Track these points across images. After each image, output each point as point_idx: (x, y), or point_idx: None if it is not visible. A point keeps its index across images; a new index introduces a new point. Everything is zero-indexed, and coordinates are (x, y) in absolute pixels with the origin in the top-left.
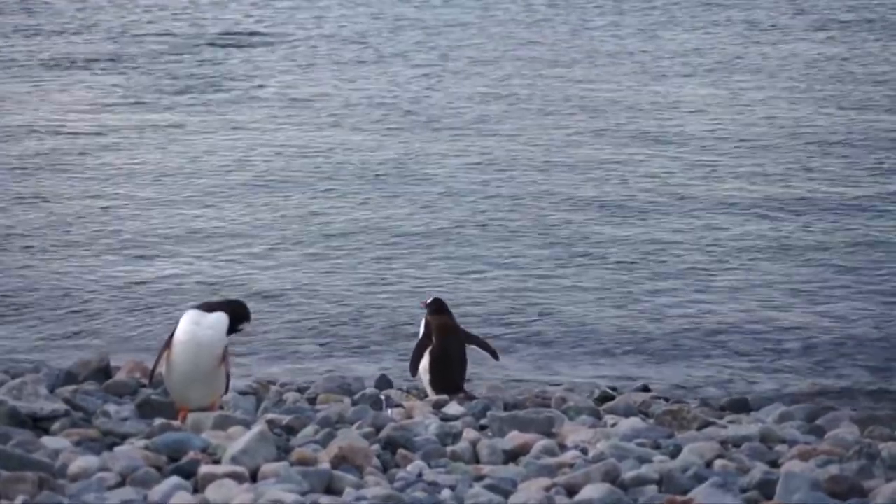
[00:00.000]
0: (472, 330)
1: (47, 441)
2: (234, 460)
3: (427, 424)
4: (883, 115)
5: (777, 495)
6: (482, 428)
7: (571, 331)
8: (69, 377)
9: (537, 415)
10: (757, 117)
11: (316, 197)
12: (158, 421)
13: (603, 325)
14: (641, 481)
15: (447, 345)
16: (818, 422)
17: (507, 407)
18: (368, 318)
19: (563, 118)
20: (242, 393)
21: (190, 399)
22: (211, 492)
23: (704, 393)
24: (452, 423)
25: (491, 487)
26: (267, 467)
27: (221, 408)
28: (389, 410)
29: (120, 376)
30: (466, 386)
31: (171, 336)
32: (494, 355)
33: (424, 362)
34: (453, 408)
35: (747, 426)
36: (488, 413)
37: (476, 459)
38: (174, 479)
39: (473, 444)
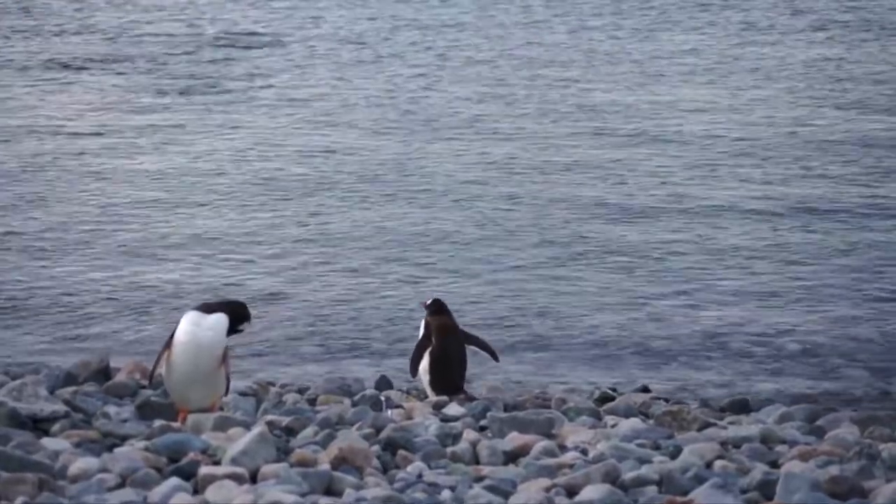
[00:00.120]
0: (472, 330)
1: (47, 442)
2: (234, 461)
3: (427, 425)
4: (882, 116)
5: (777, 496)
6: (482, 429)
7: (571, 331)
8: (69, 378)
9: (537, 416)
10: (756, 119)
11: (315, 197)
12: (158, 422)
13: (603, 325)
14: (641, 482)
15: (447, 345)
16: (818, 422)
17: (507, 408)
18: (368, 319)
19: (562, 119)
20: (242, 394)
21: (190, 400)
22: (211, 493)
23: (705, 394)
24: (452, 424)
25: (491, 488)
26: (267, 468)
27: (221, 409)
28: (389, 411)
29: (120, 378)
30: (466, 387)
31: (171, 337)
32: (494, 356)
33: (424, 363)
34: (453, 409)
35: (747, 427)
36: (488, 414)
37: (476, 460)
38: (174, 481)
39: (473, 444)
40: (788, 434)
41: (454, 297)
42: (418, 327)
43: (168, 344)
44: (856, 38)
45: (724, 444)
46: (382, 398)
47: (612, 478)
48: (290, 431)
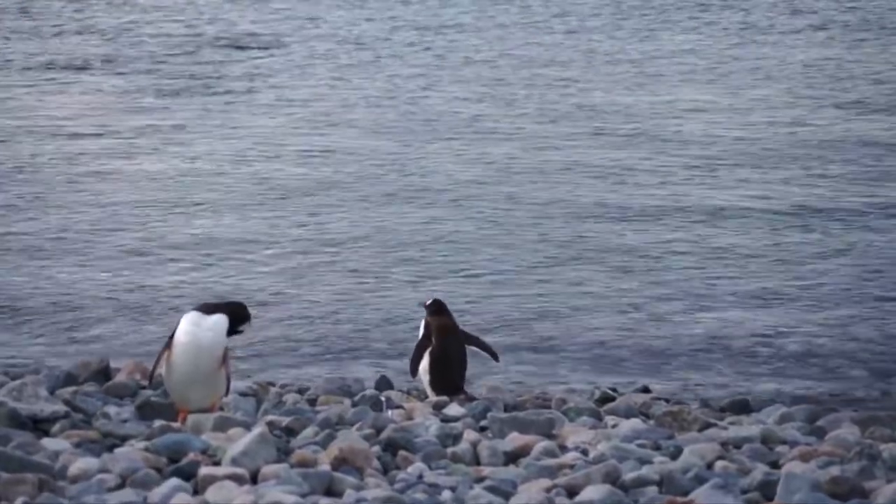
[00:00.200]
0: (472, 331)
1: (47, 443)
2: (234, 462)
3: (427, 426)
4: (882, 116)
5: (778, 496)
6: (482, 429)
7: (571, 331)
8: (69, 379)
9: (538, 416)
10: (756, 119)
11: (314, 197)
12: (158, 422)
13: (603, 325)
14: (642, 482)
15: (447, 346)
16: (819, 423)
17: (507, 408)
18: (368, 320)
19: (561, 119)
20: (242, 394)
21: (190, 400)
22: (211, 493)
23: (705, 394)
24: (453, 425)
25: (491, 489)
26: (267, 469)
27: (221, 409)
28: (390, 412)
29: (120, 378)
30: (466, 387)
31: (171, 337)
32: (494, 356)
33: (424, 363)
34: (453, 409)
35: (748, 427)
36: (489, 414)
37: (476, 461)
38: (174, 481)
39: (474, 445)
40: (789, 434)
41: (454, 298)
42: (418, 327)
43: (168, 344)
44: (855, 37)
45: (724, 444)
46: (383, 398)
47: (612, 478)
48: (291, 432)
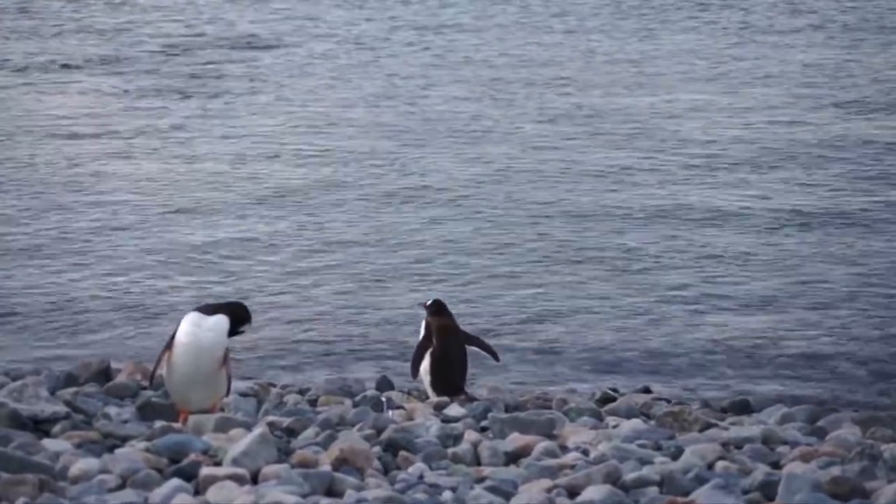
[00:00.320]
0: (472, 331)
1: (48, 443)
2: (234, 462)
3: (428, 426)
4: (883, 118)
5: (779, 496)
6: (483, 429)
7: (572, 332)
8: (70, 379)
9: (538, 416)
10: (756, 121)
11: (314, 198)
12: (159, 423)
13: (604, 326)
14: (643, 483)
15: (448, 346)
16: (820, 423)
17: (508, 408)
18: (369, 320)
19: (561, 120)
20: (243, 395)
21: (191, 401)
22: (212, 494)
23: (706, 394)
24: (453, 425)
25: (492, 489)
26: (268, 469)
27: (222, 410)
28: (390, 412)
29: (120, 378)
30: (467, 387)
31: (172, 338)
32: (495, 356)
33: (425, 364)
34: (454, 409)
35: (749, 427)
36: (489, 415)
37: (477, 461)
38: (175, 482)
39: (474, 445)
40: (790, 435)
41: (454, 298)
42: (419, 328)
43: (169, 345)
44: (855, 37)
45: (725, 444)
46: (383, 399)
47: (613, 478)
48: (291, 432)
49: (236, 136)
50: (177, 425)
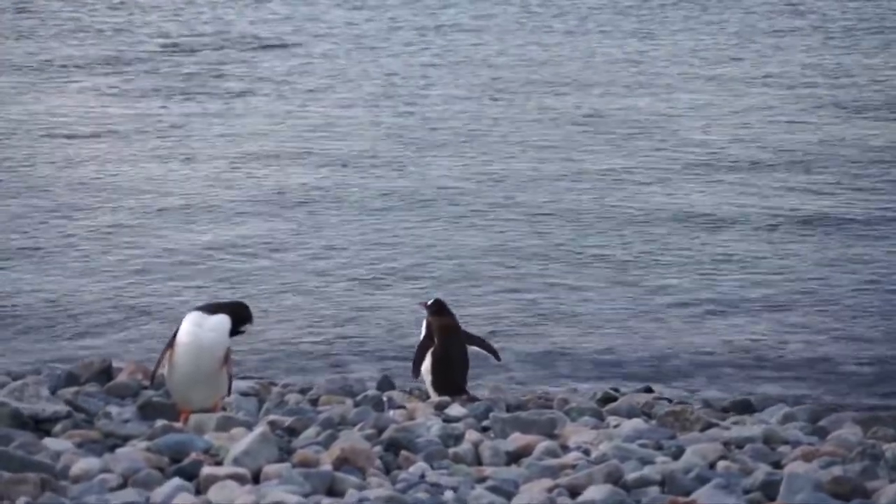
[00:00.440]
0: (473, 331)
1: (49, 443)
2: (236, 462)
3: (429, 426)
4: (883, 119)
5: (780, 496)
6: (484, 429)
7: (574, 331)
8: (71, 379)
9: (539, 416)
10: (757, 122)
11: (315, 198)
12: (160, 422)
13: (605, 326)
14: (644, 482)
15: (449, 346)
16: (821, 423)
17: (509, 408)
18: (370, 320)
19: (561, 120)
20: (244, 394)
21: (192, 400)
22: (213, 493)
23: (707, 394)
24: (455, 425)
25: (493, 489)
26: (269, 469)
27: (223, 409)
28: (392, 412)
29: (121, 378)
30: (468, 387)
31: (174, 338)
32: (496, 355)
33: (426, 364)
34: (455, 409)
35: (750, 427)
36: (490, 414)
37: (478, 461)
38: (176, 481)
39: (476, 445)
40: (791, 434)
41: (455, 298)
42: (420, 328)
43: (170, 344)
44: (855, 38)
45: (726, 444)
46: (384, 399)
47: (614, 478)
48: (293, 432)
49: (236, 137)
50: (178, 425)
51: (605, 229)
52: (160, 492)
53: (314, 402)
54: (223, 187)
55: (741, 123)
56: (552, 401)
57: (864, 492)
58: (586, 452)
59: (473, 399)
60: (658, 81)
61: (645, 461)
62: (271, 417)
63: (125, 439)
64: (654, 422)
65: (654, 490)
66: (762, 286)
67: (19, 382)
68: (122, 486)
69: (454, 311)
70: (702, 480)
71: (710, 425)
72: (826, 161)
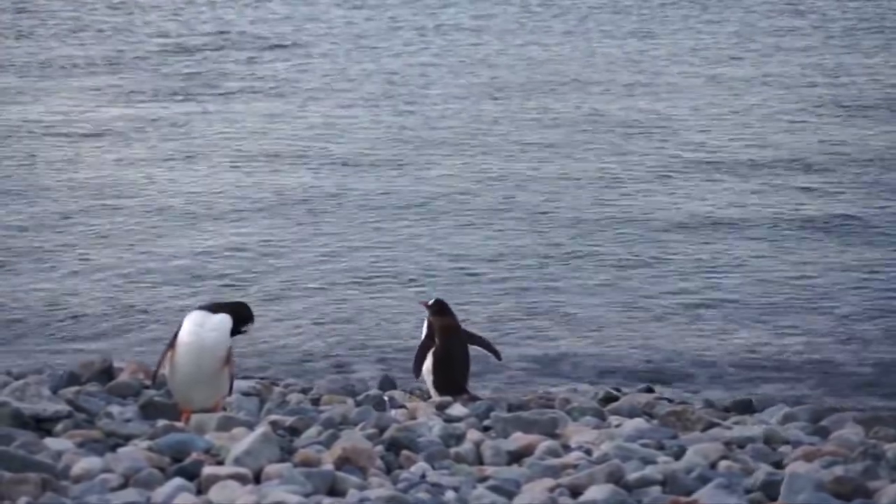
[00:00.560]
0: (475, 330)
1: (50, 442)
2: (237, 461)
3: (430, 426)
4: (884, 120)
5: (781, 496)
6: (486, 429)
7: (575, 331)
8: (72, 378)
9: (541, 416)
10: (756, 124)
11: (315, 199)
12: (162, 422)
13: (607, 325)
14: (645, 482)
15: (450, 346)
16: (823, 423)
17: (510, 408)
18: (371, 320)
19: (561, 121)
20: (246, 394)
21: (193, 400)
22: (214, 493)
23: (709, 394)
24: (456, 425)
25: (494, 489)
26: (270, 468)
27: (225, 409)
28: (393, 411)
29: (123, 378)
30: (469, 387)
31: (175, 337)
32: (497, 355)
33: (428, 363)
34: (457, 409)
35: (751, 427)
36: (492, 414)
37: (480, 460)
38: (177, 481)
39: (477, 445)
40: (792, 434)
41: (456, 298)
42: (421, 328)
43: (171, 344)
44: (856, 38)
45: (728, 444)
46: (386, 398)
47: (615, 478)
48: (294, 431)
49: (236, 137)
50: (179, 424)
51: (605, 229)
52: (161, 492)
53: (315, 401)
54: (223, 187)
55: (741, 123)
56: (553, 400)
57: (865, 492)
58: (588, 452)
59: (475, 399)
60: (658, 81)
61: (646, 461)
62: (273, 417)
63: (126, 439)
64: (655, 421)
65: (655, 490)
66: (763, 286)
67: (20, 382)
68: (124, 485)
69: (455, 310)
70: (703, 480)
71: (711, 425)
72: (826, 161)
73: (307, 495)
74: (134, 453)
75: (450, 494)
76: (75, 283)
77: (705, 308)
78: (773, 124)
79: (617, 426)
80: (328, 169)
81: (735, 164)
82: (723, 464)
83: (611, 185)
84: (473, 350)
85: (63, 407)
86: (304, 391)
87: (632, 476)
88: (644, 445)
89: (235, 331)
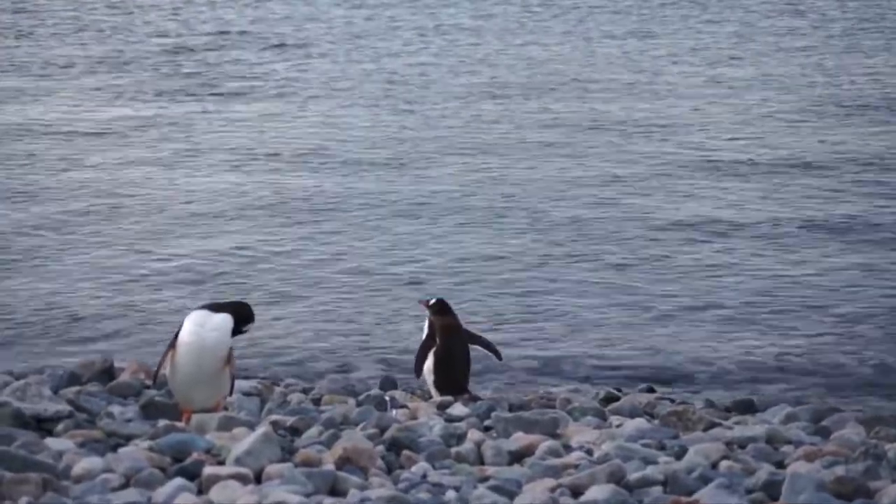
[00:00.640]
0: (476, 330)
1: (51, 442)
2: (238, 461)
3: (431, 425)
4: (886, 124)
5: (783, 496)
6: (487, 429)
7: (576, 331)
8: (73, 378)
9: (542, 416)
10: (757, 125)
11: (316, 199)
12: (162, 422)
13: (608, 325)
14: (647, 482)
15: (451, 346)
16: (824, 423)
17: (511, 408)
18: (372, 319)
19: (561, 120)
20: (247, 394)
21: (194, 400)
22: (215, 493)
23: (710, 394)
24: (457, 424)
25: (495, 489)
26: (271, 468)
27: (225, 409)
28: (394, 411)
29: (124, 377)
30: (470, 387)
31: (176, 337)
32: (497, 355)
33: (429, 363)
34: (458, 409)
35: (753, 427)
36: (493, 414)
37: (481, 460)
38: (178, 481)
39: (478, 445)
40: (794, 434)
41: (457, 298)
42: (422, 327)
43: (172, 344)
44: (856, 38)
45: (729, 444)
46: (387, 398)
47: (617, 478)
48: (295, 431)
49: (236, 137)
50: (180, 424)
51: (606, 229)
52: (162, 492)
53: (316, 401)
54: (223, 187)
55: (741, 123)
56: (555, 400)
57: (866, 492)
58: (589, 452)
59: (476, 399)
60: (658, 81)
61: (647, 461)
62: (273, 417)
63: (127, 439)
64: (656, 421)
65: (656, 490)
66: (763, 286)
67: (21, 382)
68: (125, 485)
69: (456, 310)
70: (704, 480)
71: (712, 425)
72: (825, 162)
73: (308, 495)
74: (135, 453)
75: (451, 494)
76: (76, 283)
77: (706, 308)
78: (773, 124)
79: (618, 426)
80: (328, 169)
81: (735, 164)
82: (724, 464)
83: (610, 186)
84: (474, 350)
85: (64, 407)
86: (305, 391)
87: (633, 476)
88: (645, 445)
89: (236, 331)
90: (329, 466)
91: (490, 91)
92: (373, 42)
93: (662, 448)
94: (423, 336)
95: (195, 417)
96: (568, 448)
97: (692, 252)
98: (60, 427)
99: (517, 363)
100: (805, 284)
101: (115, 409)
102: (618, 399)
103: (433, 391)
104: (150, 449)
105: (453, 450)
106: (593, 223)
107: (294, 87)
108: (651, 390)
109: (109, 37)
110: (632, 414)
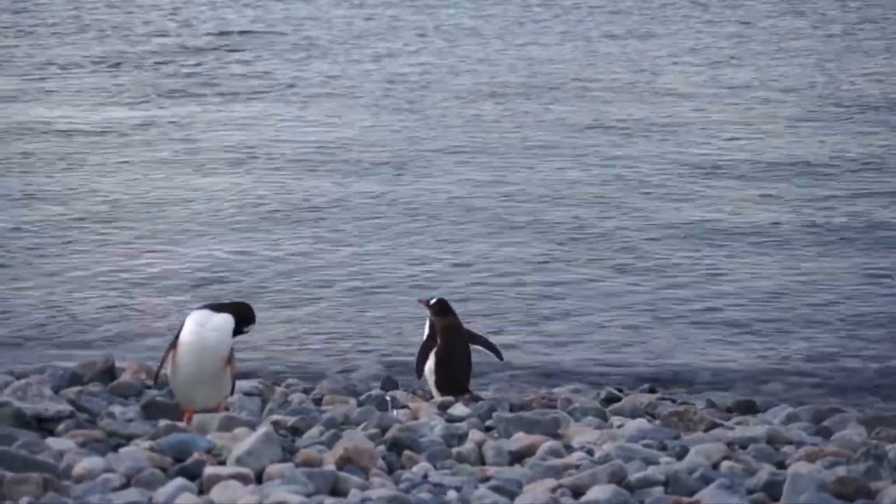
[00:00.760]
0: (477, 330)
1: (52, 442)
2: (239, 461)
3: (432, 426)
4: (886, 125)
5: (784, 496)
6: (488, 429)
7: (577, 331)
8: (74, 378)
9: (543, 416)
10: (757, 125)
11: (316, 200)
12: (163, 422)
13: (609, 326)
14: (648, 483)
15: (452, 346)
16: (825, 423)
17: (512, 408)
18: (373, 319)
19: (560, 120)
20: (248, 394)
21: (195, 400)
22: (216, 493)
23: (711, 394)
24: (458, 425)
25: (496, 489)
26: (272, 468)
27: (227, 409)
28: (395, 411)
29: (125, 377)
30: (471, 387)
31: (177, 337)
32: (499, 355)
33: (430, 363)
34: (459, 409)
35: (754, 427)
36: (494, 414)
37: (482, 461)
38: (179, 481)
39: (479, 445)
40: (795, 435)
41: (458, 298)
42: (423, 327)
43: (173, 344)
44: (857, 38)
45: (730, 444)
46: (388, 398)
47: (618, 478)
48: (296, 431)
49: (236, 138)
50: (181, 424)
51: (607, 229)
52: (163, 491)
53: (318, 401)
54: (224, 188)
55: (741, 124)
56: (556, 401)
57: (867, 492)
58: (590, 452)
59: (477, 399)
60: (658, 81)
61: (649, 461)
62: (274, 417)
63: (128, 439)
64: (657, 422)
65: (657, 490)
66: (764, 288)
67: (22, 382)
68: (125, 485)
69: (457, 310)
70: (706, 480)
71: (713, 425)
72: (825, 163)
73: (309, 495)
74: (136, 453)
75: (452, 494)
76: (76, 283)
77: (708, 310)
78: (773, 125)
79: (619, 426)
80: (328, 169)
81: (735, 165)
82: (725, 464)
83: (611, 186)
84: (475, 350)
85: (65, 407)
86: (306, 391)
87: (634, 476)
88: (646, 446)
89: (237, 331)
90: (330, 466)
91: (490, 91)
92: (373, 42)
93: (664, 448)
94: (424, 336)
95: (196, 417)
96: (569, 448)
97: (693, 253)
98: (61, 427)
99: (518, 363)
100: (805, 284)
101: (117, 409)
102: (619, 399)
103: (434, 391)
104: (151, 449)
105: (454, 450)
106: (593, 223)
107: (294, 88)
108: (652, 391)
109: (109, 37)
110: (633, 414)
